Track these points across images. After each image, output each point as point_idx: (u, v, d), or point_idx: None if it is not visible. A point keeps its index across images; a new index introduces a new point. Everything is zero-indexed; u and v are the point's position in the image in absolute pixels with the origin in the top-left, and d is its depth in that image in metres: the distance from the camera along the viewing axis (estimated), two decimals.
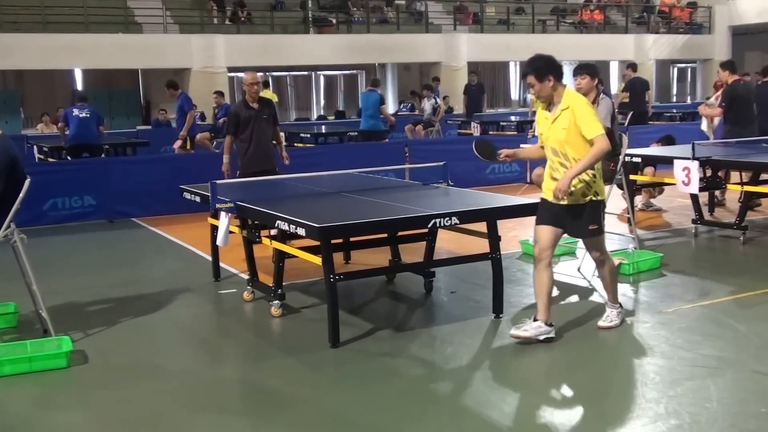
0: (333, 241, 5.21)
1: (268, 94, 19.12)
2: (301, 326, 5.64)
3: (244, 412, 4.21)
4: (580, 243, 7.38)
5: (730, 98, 9.54)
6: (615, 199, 6.95)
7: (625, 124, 14.03)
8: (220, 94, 16.96)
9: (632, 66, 15.58)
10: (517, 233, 7.99)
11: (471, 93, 18.25)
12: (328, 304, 5.05)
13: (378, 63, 26.71)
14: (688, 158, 7.42)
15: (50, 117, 19.71)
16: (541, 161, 7.39)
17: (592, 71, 6.88)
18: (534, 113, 7.59)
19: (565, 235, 7.58)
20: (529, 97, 23.29)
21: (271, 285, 5.85)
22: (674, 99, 31.29)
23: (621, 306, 5.38)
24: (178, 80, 22.24)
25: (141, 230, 9.74)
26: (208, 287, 6.76)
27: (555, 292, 6.40)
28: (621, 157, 6.83)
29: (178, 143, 12.78)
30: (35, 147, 14.28)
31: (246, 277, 6.38)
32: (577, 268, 6.88)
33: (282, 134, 8.53)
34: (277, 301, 5.78)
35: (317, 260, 5.17)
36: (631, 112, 14.50)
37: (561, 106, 4.93)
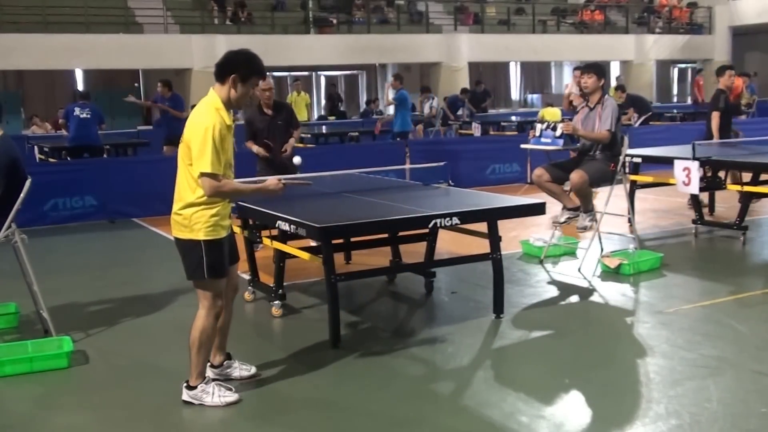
0: (334, 242, 5.21)
1: (304, 98, 19.10)
2: (301, 326, 5.64)
3: (243, 413, 4.21)
4: (581, 243, 7.41)
5: None
6: (615, 200, 6.95)
7: (636, 124, 14.15)
8: None
9: (621, 88, 15.62)
10: (517, 233, 8.00)
11: (476, 96, 18.59)
12: (328, 304, 5.05)
13: (378, 63, 26.72)
14: (689, 158, 7.42)
15: (40, 117, 19.69)
16: (542, 161, 7.41)
17: (598, 71, 6.93)
18: (543, 120, 7.59)
19: (565, 235, 7.66)
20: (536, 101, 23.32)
21: (271, 285, 5.86)
22: (675, 99, 31.28)
23: None
24: (178, 80, 22.35)
25: (142, 230, 9.74)
26: None
27: (555, 293, 6.43)
28: (621, 158, 6.83)
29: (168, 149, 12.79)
30: (36, 147, 14.27)
31: (246, 277, 6.38)
32: (578, 268, 6.88)
33: (295, 138, 8.15)
34: (277, 302, 5.78)
35: (318, 260, 5.17)
36: (647, 115, 15.10)
37: None
